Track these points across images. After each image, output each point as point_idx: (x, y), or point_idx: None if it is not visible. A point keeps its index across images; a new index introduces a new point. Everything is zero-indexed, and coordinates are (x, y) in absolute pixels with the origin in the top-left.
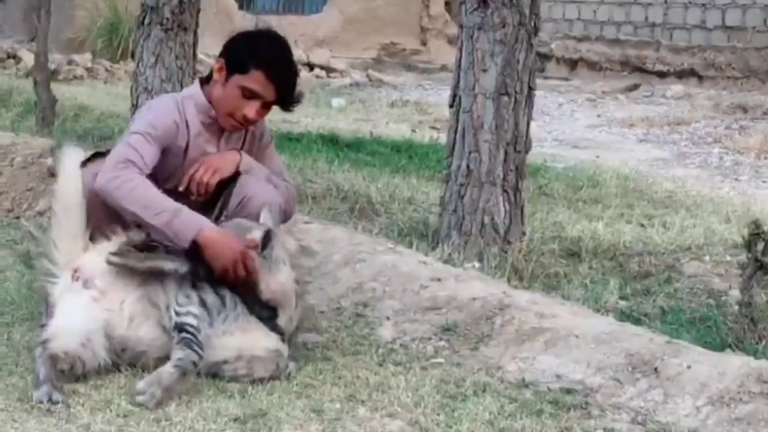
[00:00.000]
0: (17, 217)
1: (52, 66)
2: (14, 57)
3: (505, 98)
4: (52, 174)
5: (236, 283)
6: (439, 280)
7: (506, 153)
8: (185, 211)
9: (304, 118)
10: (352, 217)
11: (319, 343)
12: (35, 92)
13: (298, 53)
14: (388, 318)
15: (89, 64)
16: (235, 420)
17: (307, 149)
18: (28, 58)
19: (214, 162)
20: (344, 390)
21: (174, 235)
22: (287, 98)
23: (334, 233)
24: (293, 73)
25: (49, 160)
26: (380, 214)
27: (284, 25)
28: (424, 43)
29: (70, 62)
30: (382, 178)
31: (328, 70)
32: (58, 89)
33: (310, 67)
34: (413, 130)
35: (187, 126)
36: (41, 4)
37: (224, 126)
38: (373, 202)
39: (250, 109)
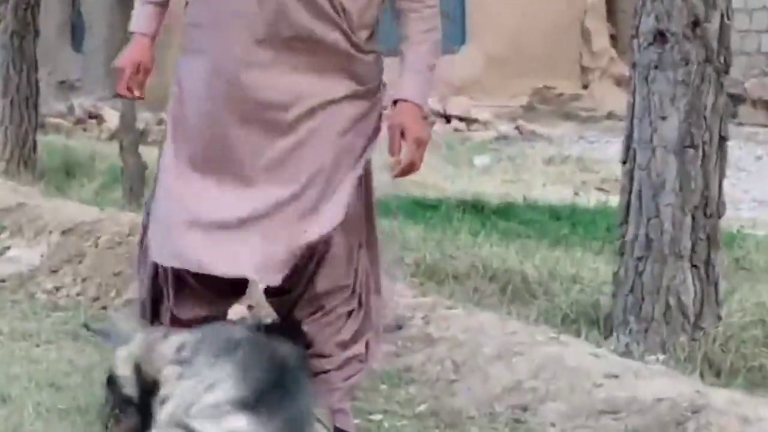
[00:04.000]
0: (104, 307)
1: (140, 126)
2: (96, 117)
3: (691, 151)
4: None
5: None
6: (615, 376)
7: (694, 218)
8: (147, 9)
9: (441, 181)
10: (504, 300)
11: None
12: (121, 158)
13: (431, 102)
14: (553, 425)
15: None
16: None
17: (446, 218)
18: (112, 118)
19: (414, 131)
20: None
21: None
22: None
23: (482, 320)
24: None
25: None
26: (538, 296)
27: None
28: (585, 86)
29: (160, 122)
30: (539, 252)
31: (469, 121)
32: (148, 153)
33: (447, 118)
34: (576, 193)
35: None
36: None
37: None
38: (528, 282)
39: None
